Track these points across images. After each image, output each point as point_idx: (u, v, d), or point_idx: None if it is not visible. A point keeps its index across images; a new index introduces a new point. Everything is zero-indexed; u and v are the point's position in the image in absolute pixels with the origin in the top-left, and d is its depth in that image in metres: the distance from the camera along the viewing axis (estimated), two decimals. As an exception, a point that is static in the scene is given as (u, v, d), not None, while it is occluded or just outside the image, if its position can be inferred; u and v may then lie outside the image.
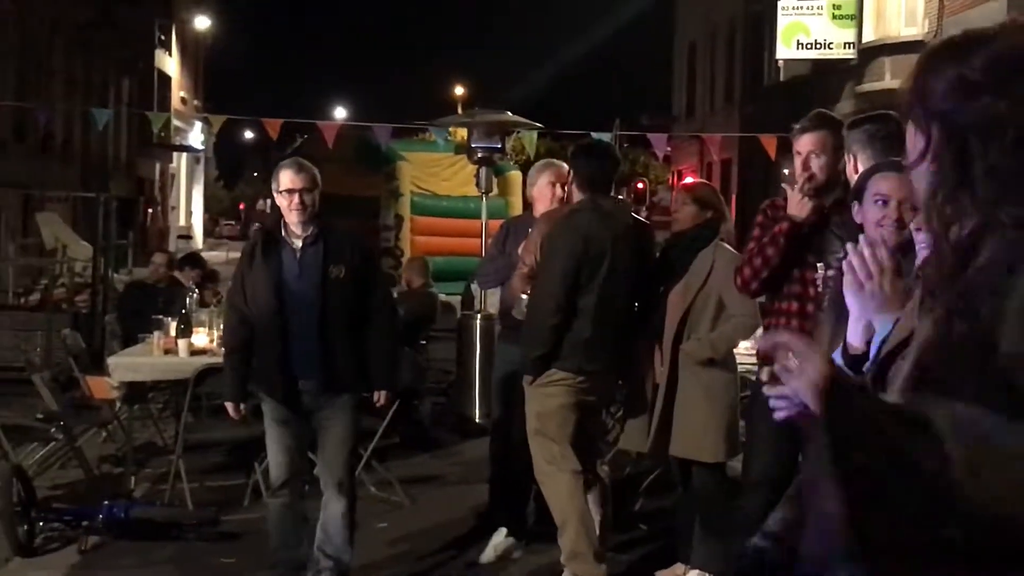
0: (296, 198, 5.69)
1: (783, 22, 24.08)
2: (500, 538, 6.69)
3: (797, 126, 5.06)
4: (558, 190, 6.91)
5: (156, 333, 8.29)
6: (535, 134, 14.68)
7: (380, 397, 5.92)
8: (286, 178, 5.74)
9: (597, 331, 5.80)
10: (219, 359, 7.97)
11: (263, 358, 5.88)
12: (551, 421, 5.85)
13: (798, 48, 24.07)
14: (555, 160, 7.25)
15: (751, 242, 5.13)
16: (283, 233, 5.82)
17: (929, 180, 1.85)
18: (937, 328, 1.75)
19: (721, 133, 24.63)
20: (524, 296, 6.18)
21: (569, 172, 6.19)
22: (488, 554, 6.63)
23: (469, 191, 14.58)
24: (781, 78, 29.16)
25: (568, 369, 5.81)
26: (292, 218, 5.73)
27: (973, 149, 1.79)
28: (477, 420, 10.05)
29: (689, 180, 9.46)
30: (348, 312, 5.80)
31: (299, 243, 5.79)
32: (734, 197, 31.72)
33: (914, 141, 1.87)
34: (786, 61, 26.90)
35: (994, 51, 1.79)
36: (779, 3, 24.00)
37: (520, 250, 6.42)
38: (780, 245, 4.95)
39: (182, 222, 52.86)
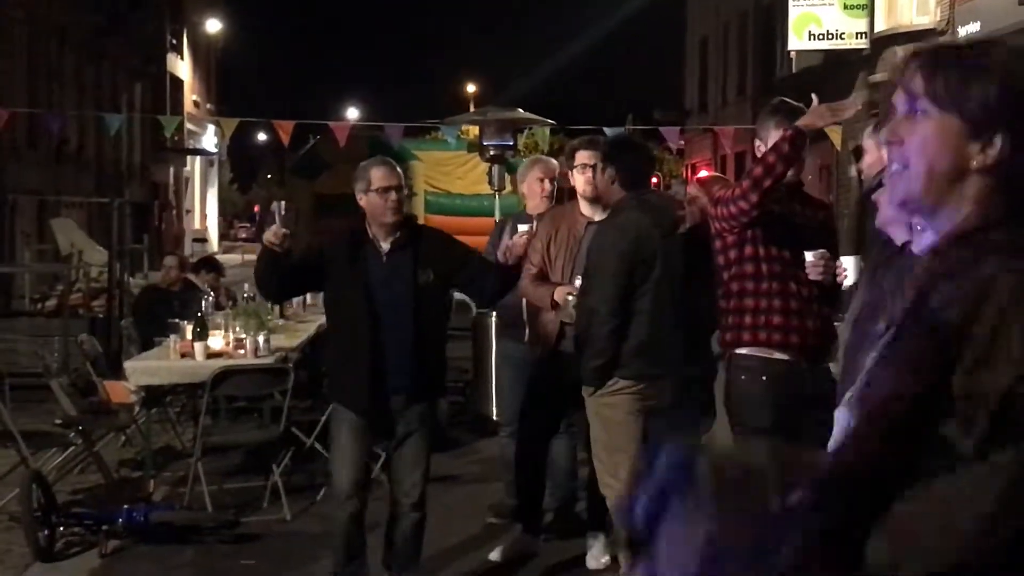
0: (393, 195, 5.48)
1: (794, 13, 24.03)
2: (516, 535, 6.69)
3: None
4: (547, 185, 6.92)
5: (172, 337, 8.31)
6: (547, 130, 14.68)
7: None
8: (379, 175, 5.52)
9: (655, 333, 5.61)
10: (235, 361, 8.04)
11: (347, 369, 5.63)
12: (618, 432, 5.66)
13: (810, 39, 24.03)
14: (543, 156, 7.28)
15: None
16: (369, 236, 5.59)
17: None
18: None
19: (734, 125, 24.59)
20: (571, 298, 6.04)
21: (597, 167, 6.04)
22: (504, 551, 6.63)
23: (482, 189, 14.59)
24: (793, 69, 29.08)
25: (629, 376, 5.63)
26: (387, 218, 5.49)
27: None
28: (495, 418, 10.05)
29: (704, 174, 9.45)
30: (437, 319, 5.66)
31: (387, 246, 5.56)
32: (748, 190, 31.58)
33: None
34: (798, 52, 26.83)
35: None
36: (790, -6, 23.97)
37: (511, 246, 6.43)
38: (784, 151, 4.69)
39: (197, 225, 52.96)
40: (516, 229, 6.61)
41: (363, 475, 5.77)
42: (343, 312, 5.62)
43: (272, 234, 5.41)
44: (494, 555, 6.62)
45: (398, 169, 5.67)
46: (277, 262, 5.49)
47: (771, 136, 4.94)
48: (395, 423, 5.65)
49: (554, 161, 7.48)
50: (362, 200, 5.60)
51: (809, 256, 4.98)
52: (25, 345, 12.17)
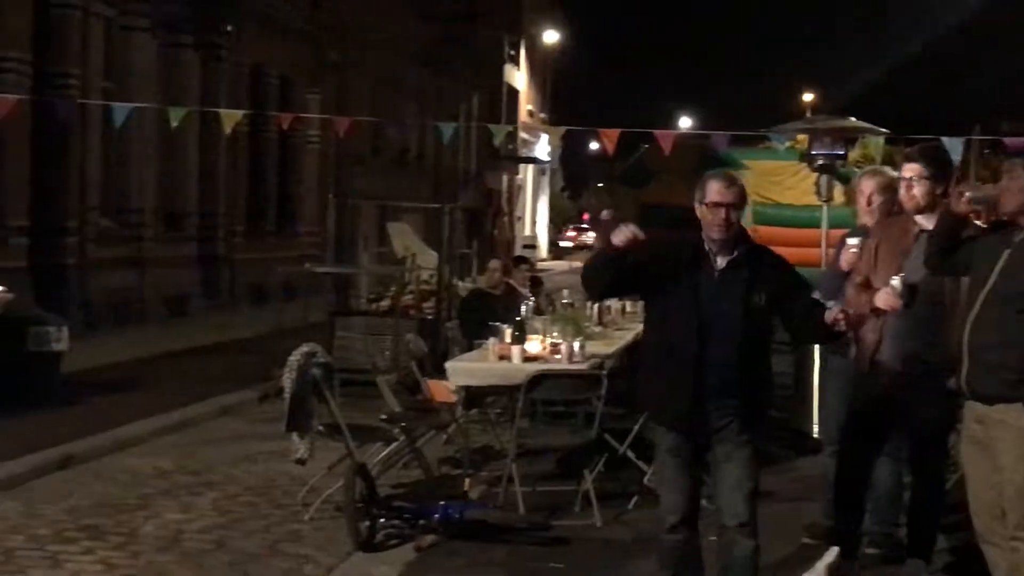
0: (721, 213, 5.34)
1: None
2: (831, 558, 6.46)
3: None
4: (875, 198, 6.72)
5: (492, 339, 8.49)
6: (881, 140, 14.13)
7: None
8: (714, 189, 5.38)
9: None
10: (550, 365, 8.12)
11: (665, 385, 5.50)
12: None
13: None
14: (879, 167, 7.02)
15: None
16: (706, 250, 5.47)
17: None
18: None
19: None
20: (895, 281, 5.75)
21: (921, 180, 5.83)
22: (818, 573, 6.41)
23: (813, 200, 14.21)
24: None
25: None
26: (713, 234, 5.38)
27: None
28: (814, 435, 9.76)
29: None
30: (765, 341, 5.52)
31: (722, 263, 5.43)
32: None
33: None
34: None
35: None
36: None
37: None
38: None
39: (527, 232, 54.18)
40: (844, 244, 6.48)
41: (690, 504, 5.59)
42: (668, 325, 5.50)
43: (629, 232, 5.29)
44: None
45: (738, 187, 5.46)
46: (615, 260, 5.40)
47: None
48: (716, 444, 5.50)
49: (888, 172, 7.22)
50: (697, 211, 5.49)
51: None
52: (358, 343, 12.73)
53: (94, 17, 18.11)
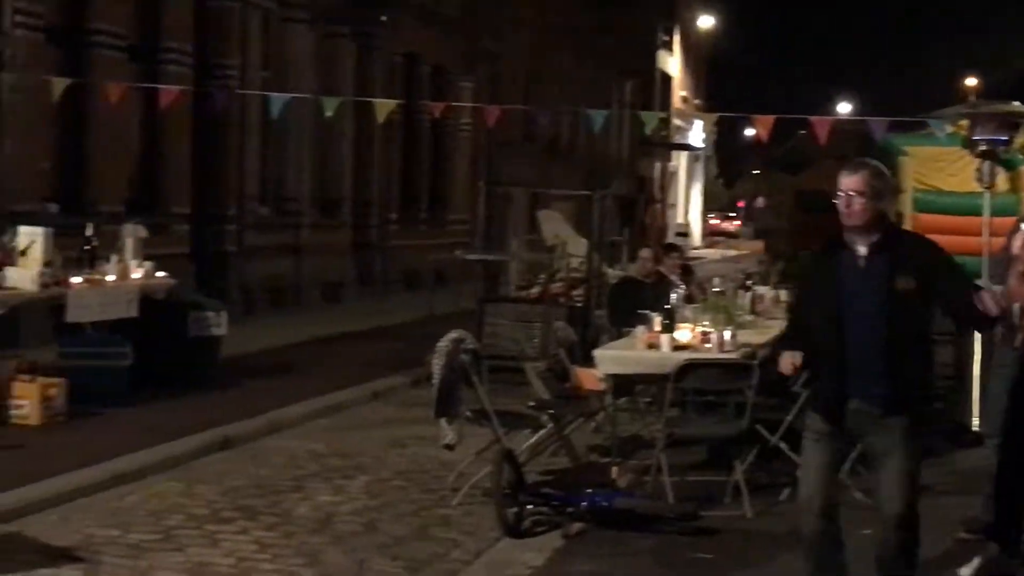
0: (845, 200, 5.34)
1: None
2: (991, 554, 6.26)
3: None
4: None
5: (640, 328, 8.42)
6: (1051, 124, 13.61)
7: None
8: (843, 177, 5.39)
9: None
10: (700, 354, 8.03)
11: (817, 372, 5.58)
12: None
13: None
14: None
15: None
16: (846, 239, 5.46)
17: None
18: None
19: None
20: None
21: None
22: (976, 569, 6.22)
23: (975, 187, 13.79)
24: None
25: None
26: (844, 220, 5.38)
27: None
28: (974, 428, 9.47)
29: None
30: (918, 328, 5.42)
31: (863, 250, 5.39)
32: None
33: None
34: None
35: None
36: None
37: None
38: None
39: (680, 219, 53.76)
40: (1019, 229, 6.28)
41: (826, 490, 5.53)
42: (814, 314, 5.52)
43: (789, 362, 5.46)
44: (964, 572, 6.26)
45: (865, 175, 5.37)
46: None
47: None
48: (871, 435, 5.43)
49: None
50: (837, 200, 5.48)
51: None
52: (507, 330, 12.78)
53: (253, 8, 18.51)
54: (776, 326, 9.65)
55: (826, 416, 5.46)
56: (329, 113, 13.69)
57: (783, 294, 10.64)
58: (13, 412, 9.46)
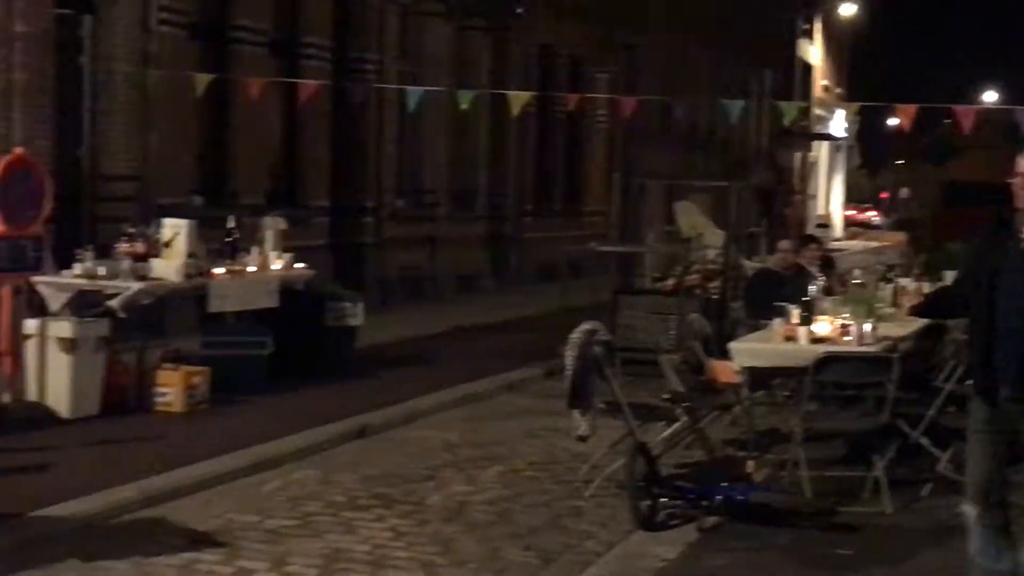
0: (1022, 183, 5.33)
1: None
2: None
3: None
4: None
5: (777, 320, 8.29)
6: None
7: None
8: (1020, 159, 5.38)
9: None
10: (839, 347, 7.86)
11: (974, 358, 5.60)
12: None
13: None
14: None
15: None
16: (1008, 223, 5.45)
17: None
18: None
19: None
20: None
21: None
22: None
23: None
24: None
25: None
26: (1016, 202, 5.36)
27: None
28: None
29: None
30: None
31: None
32: None
33: None
34: None
35: None
36: None
37: None
38: None
39: (821, 211, 52.82)
40: None
41: (993, 473, 5.45)
42: (973, 301, 5.51)
43: None
44: None
45: None
46: None
47: None
48: (1015, 420, 5.32)
49: None
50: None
51: None
52: (642, 321, 12.70)
53: (390, 3, 18.70)
54: (917, 319, 9.42)
55: (984, 400, 5.41)
56: (464, 106, 13.76)
57: (926, 286, 10.37)
58: (158, 400, 9.72)
